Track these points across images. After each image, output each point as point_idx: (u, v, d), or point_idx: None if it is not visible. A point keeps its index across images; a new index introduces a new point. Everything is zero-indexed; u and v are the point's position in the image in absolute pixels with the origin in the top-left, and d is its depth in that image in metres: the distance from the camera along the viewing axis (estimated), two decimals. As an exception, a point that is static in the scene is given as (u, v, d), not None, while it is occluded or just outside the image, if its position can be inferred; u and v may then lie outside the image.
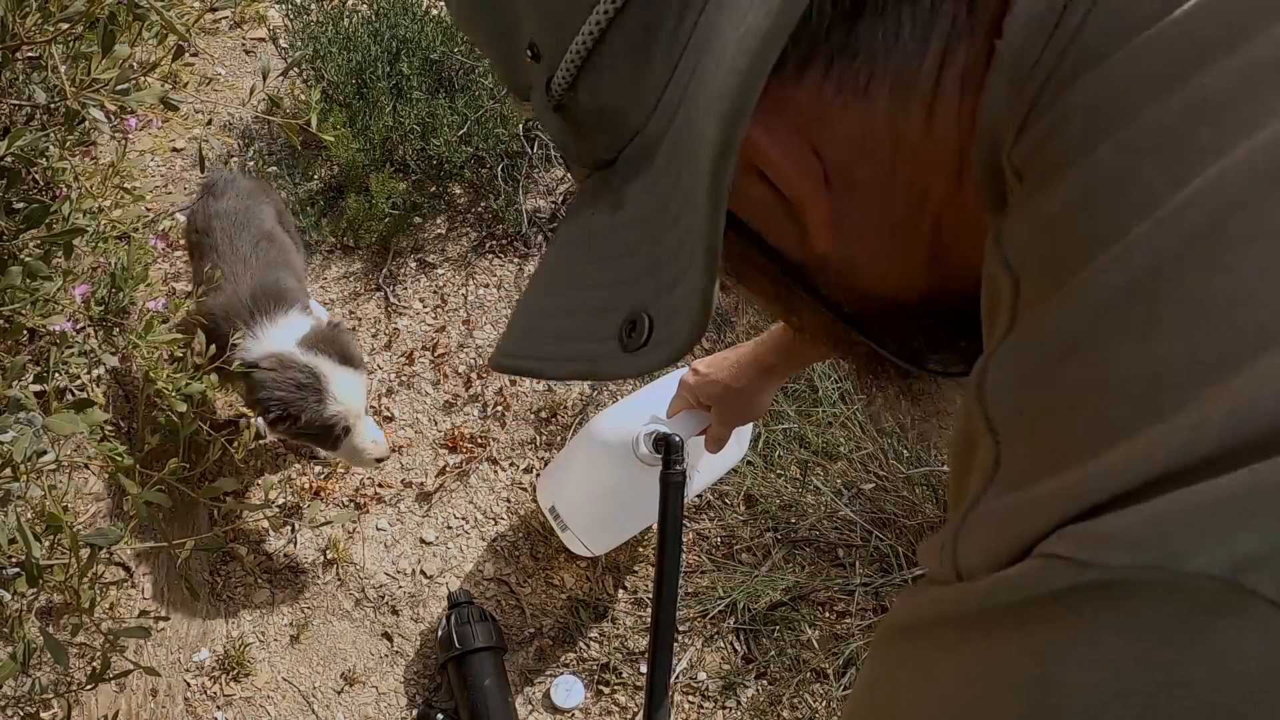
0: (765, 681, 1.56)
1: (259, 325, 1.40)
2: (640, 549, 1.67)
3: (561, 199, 2.13)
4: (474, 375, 1.87)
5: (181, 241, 1.86)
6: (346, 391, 1.36)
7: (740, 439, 1.52)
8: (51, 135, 1.08)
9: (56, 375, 1.11)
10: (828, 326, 0.48)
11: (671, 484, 1.12)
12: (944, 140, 0.38)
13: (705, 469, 1.50)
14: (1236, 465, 0.24)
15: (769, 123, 0.38)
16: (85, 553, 1.01)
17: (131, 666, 1.14)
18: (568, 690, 1.51)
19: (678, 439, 1.17)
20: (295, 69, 2.15)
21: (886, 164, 0.39)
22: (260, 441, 1.67)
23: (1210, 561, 0.24)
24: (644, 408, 1.41)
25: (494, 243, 2.08)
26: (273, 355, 1.35)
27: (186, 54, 1.05)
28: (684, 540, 1.64)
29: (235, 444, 1.31)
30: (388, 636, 1.57)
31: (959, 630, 0.31)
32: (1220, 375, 0.26)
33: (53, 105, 1.10)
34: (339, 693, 1.51)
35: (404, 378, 1.87)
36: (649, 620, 1.25)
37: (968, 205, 0.40)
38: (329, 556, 1.63)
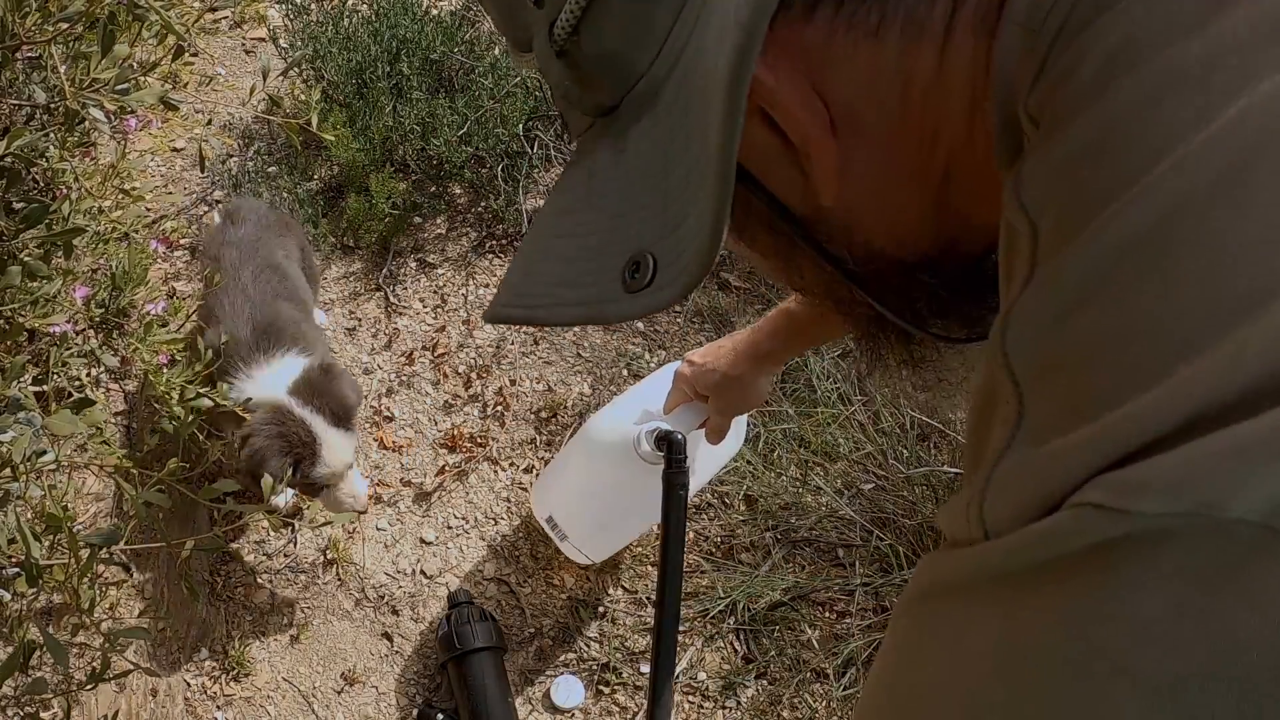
0: (765, 681, 1.56)
1: (256, 366, 1.37)
2: (640, 549, 1.67)
3: (561, 199, 2.13)
4: (474, 375, 1.87)
5: (183, 241, 1.86)
6: (338, 453, 1.35)
7: (737, 429, 1.51)
8: (51, 135, 1.08)
9: (56, 376, 1.11)
10: (829, 284, 0.47)
11: (676, 483, 1.12)
12: (955, 87, 0.38)
13: (704, 462, 1.49)
14: (1271, 404, 0.24)
15: (777, 63, 0.37)
16: (85, 553, 1.01)
17: (131, 666, 1.14)
18: (568, 690, 1.51)
19: (680, 437, 1.16)
20: (295, 69, 2.15)
21: (895, 110, 0.39)
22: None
23: (1247, 506, 0.24)
24: (640, 407, 1.40)
25: (494, 243, 2.08)
26: (268, 405, 1.32)
27: (186, 54, 1.05)
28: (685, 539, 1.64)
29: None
30: (388, 636, 1.57)
31: (986, 593, 0.30)
32: (1249, 315, 0.25)
33: (53, 105, 1.10)
34: (339, 693, 1.51)
35: (404, 378, 1.87)
36: (650, 620, 1.25)
37: (976, 158, 0.39)
38: (329, 556, 1.63)
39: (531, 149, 2.11)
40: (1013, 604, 0.28)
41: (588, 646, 1.58)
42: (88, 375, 1.18)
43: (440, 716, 1.44)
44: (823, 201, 0.42)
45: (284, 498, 1.62)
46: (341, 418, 1.36)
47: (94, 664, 1.21)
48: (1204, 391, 0.25)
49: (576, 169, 0.46)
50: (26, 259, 1.01)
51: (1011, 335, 0.32)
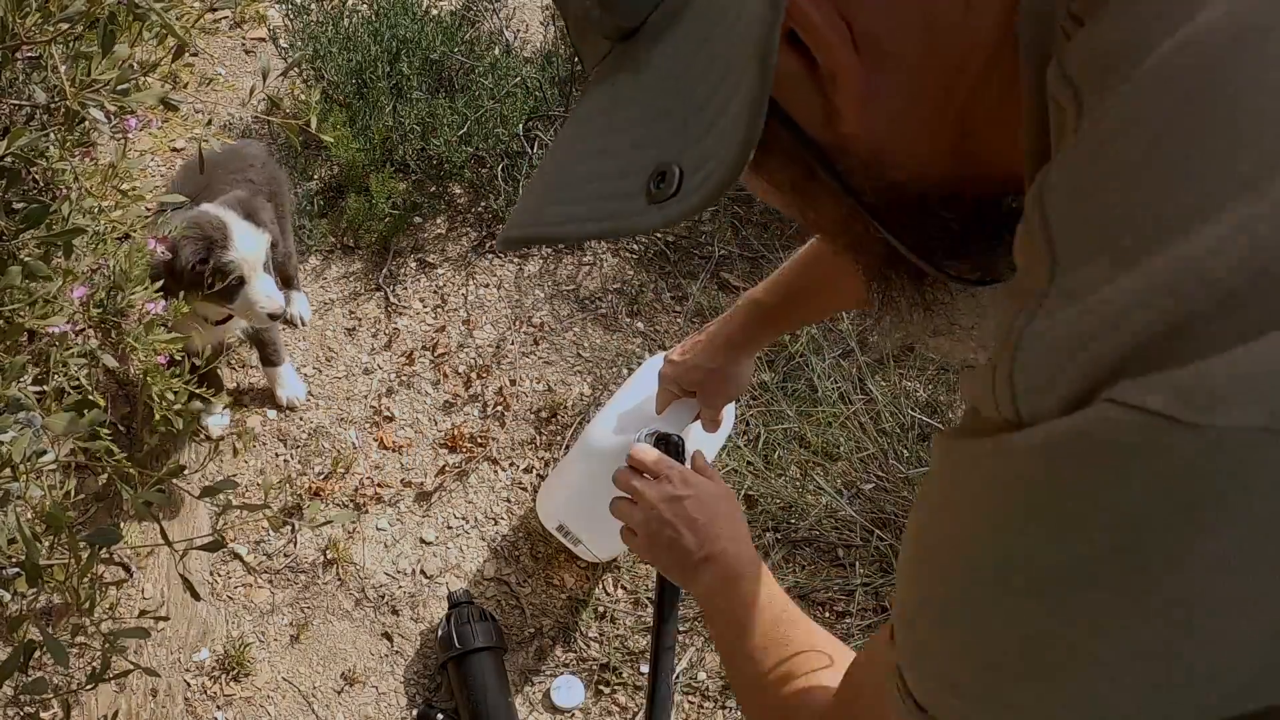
0: (765, 681, 1.55)
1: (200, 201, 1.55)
2: (640, 549, 1.67)
3: (561, 199, 2.13)
4: (474, 375, 1.87)
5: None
6: (246, 243, 1.47)
7: (727, 413, 1.52)
8: (51, 135, 1.08)
9: (56, 376, 1.11)
10: (846, 220, 0.47)
11: None
12: (982, 13, 0.37)
13: (703, 449, 1.50)
14: None
15: None
16: (85, 553, 1.01)
17: (131, 666, 1.14)
18: (568, 690, 1.51)
19: (677, 439, 1.17)
20: (295, 69, 2.15)
21: (919, 37, 0.38)
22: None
23: None
24: (634, 410, 1.41)
25: (494, 243, 2.07)
26: (192, 215, 1.48)
27: (186, 54, 1.05)
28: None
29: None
30: (388, 636, 1.57)
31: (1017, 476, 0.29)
32: None
33: (53, 105, 1.10)
34: (339, 693, 1.51)
35: (404, 378, 1.87)
36: (649, 620, 1.25)
37: (997, 90, 0.39)
38: (329, 556, 1.63)
39: (531, 149, 2.11)
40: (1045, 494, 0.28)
41: (588, 646, 1.58)
42: (87, 376, 1.18)
43: (440, 716, 1.44)
44: (844, 129, 0.41)
45: (218, 418, 1.73)
46: (250, 216, 1.51)
47: (94, 664, 1.21)
48: (1268, 230, 0.24)
49: (594, 94, 0.45)
50: (26, 259, 1.01)
51: (1049, 192, 0.31)
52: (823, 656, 0.72)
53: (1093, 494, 0.27)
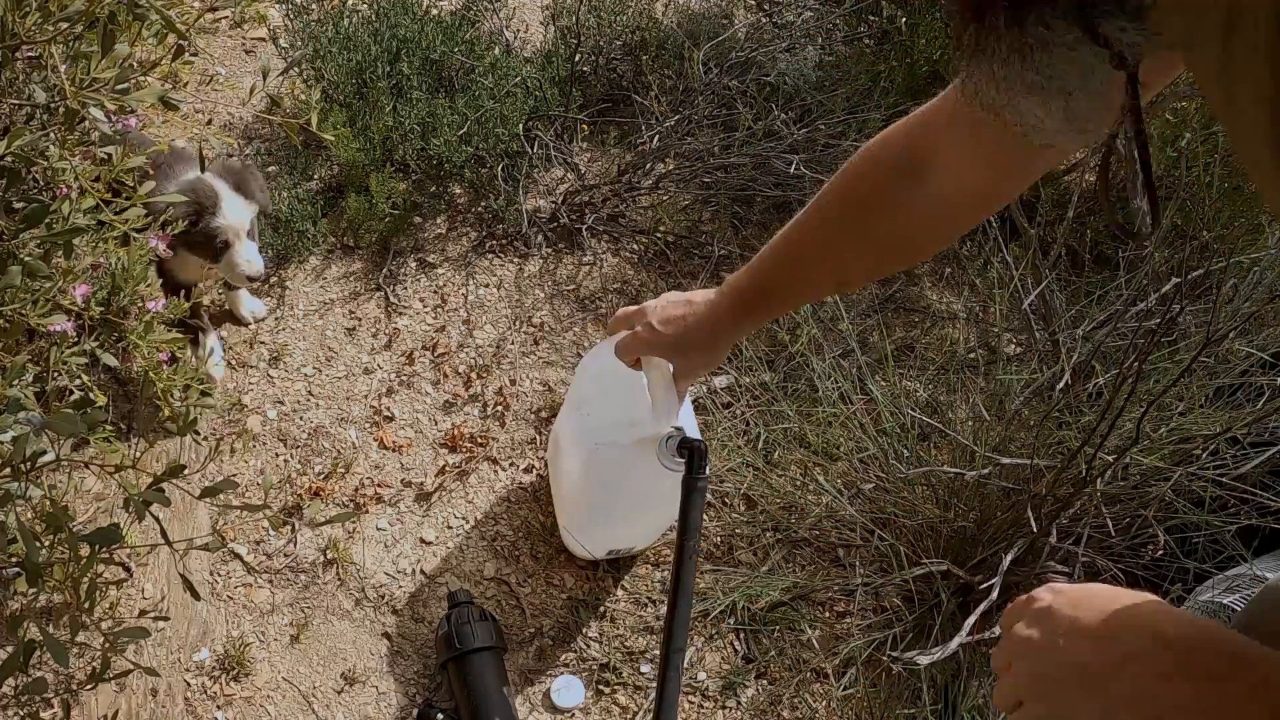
0: (765, 681, 1.56)
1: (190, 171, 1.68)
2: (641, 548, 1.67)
3: (561, 199, 2.13)
4: (474, 375, 1.87)
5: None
6: (233, 211, 1.62)
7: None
8: (51, 135, 1.08)
9: (56, 375, 1.11)
10: None
11: (696, 490, 1.15)
12: None
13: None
14: None
15: None
16: (85, 553, 1.01)
17: (131, 666, 1.14)
18: (568, 690, 1.51)
19: (702, 445, 1.18)
20: (295, 69, 2.15)
21: None
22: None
23: None
24: (605, 406, 1.42)
25: (494, 243, 2.07)
26: (187, 180, 1.63)
27: (186, 54, 1.05)
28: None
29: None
30: (388, 636, 1.57)
31: None
32: None
33: (53, 105, 1.10)
34: (339, 693, 1.51)
35: (404, 378, 1.87)
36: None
37: None
38: (329, 556, 1.63)
39: (531, 149, 2.11)
40: None
41: (588, 646, 1.58)
42: (88, 376, 1.18)
43: (440, 716, 1.44)
44: None
45: (216, 361, 1.81)
46: (241, 188, 1.65)
47: (94, 664, 1.21)
48: None
49: None
50: (26, 259, 1.01)
51: None
52: None
53: None
